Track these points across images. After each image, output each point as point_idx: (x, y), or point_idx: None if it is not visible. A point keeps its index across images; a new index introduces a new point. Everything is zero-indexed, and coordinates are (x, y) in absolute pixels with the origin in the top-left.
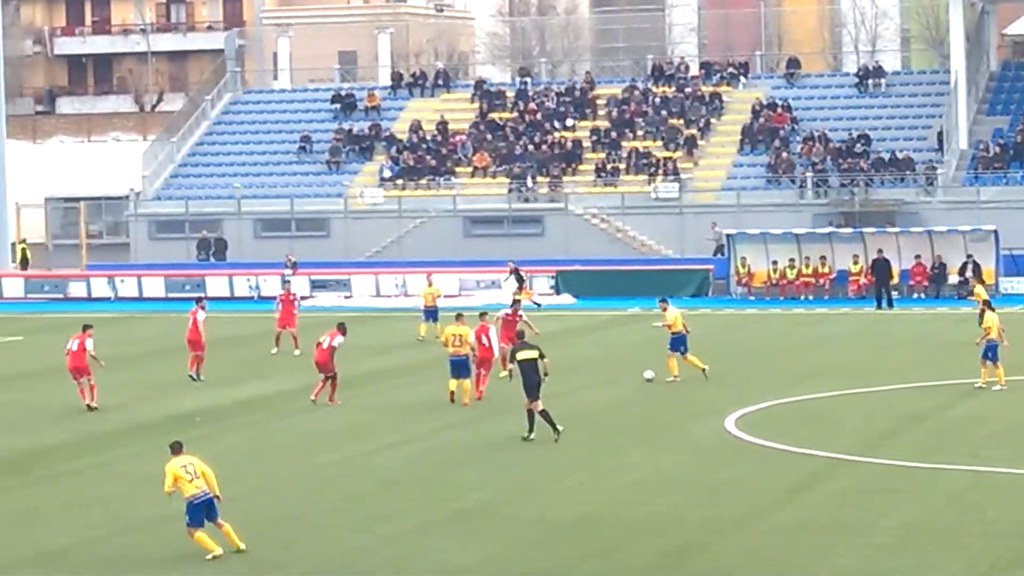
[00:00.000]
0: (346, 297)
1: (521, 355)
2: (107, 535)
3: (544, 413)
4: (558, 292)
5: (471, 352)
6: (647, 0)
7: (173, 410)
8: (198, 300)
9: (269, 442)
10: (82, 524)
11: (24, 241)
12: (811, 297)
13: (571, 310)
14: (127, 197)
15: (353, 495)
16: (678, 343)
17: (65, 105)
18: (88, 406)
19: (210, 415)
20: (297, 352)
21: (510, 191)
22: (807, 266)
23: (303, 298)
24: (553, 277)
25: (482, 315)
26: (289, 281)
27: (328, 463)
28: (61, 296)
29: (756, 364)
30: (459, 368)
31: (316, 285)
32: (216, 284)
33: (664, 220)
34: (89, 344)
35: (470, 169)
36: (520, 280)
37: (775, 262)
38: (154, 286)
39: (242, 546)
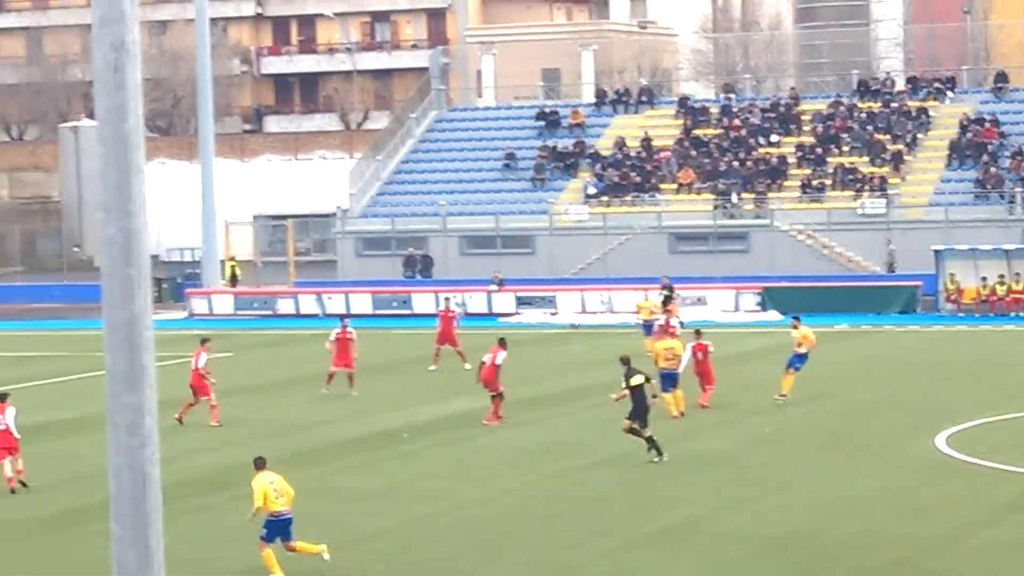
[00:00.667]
0: (552, 314)
1: (634, 380)
2: None
3: (651, 439)
4: (764, 308)
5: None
6: (852, 15)
7: (380, 426)
8: (342, 318)
9: (478, 458)
10: None
11: (233, 258)
12: (1021, 314)
13: (777, 327)
14: (334, 214)
15: (562, 511)
16: (798, 361)
17: (272, 124)
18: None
19: (417, 431)
20: (467, 366)
21: (715, 207)
22: (1017, 282)
23: (508, 315)
24: (759, 293)
25: (697, 332)
26: (449, 298)
27: (537, 479)
28: (270, 313)
29: (966, 382)
30: (670, 381)
31: (522, 302)
32: (422, 301)
33: (871, 236)
34: (202, 359)
35: (675, 185)
36: (668, 296)
37: (984, 278)
38: (361, 303)
39: (324, 550)
